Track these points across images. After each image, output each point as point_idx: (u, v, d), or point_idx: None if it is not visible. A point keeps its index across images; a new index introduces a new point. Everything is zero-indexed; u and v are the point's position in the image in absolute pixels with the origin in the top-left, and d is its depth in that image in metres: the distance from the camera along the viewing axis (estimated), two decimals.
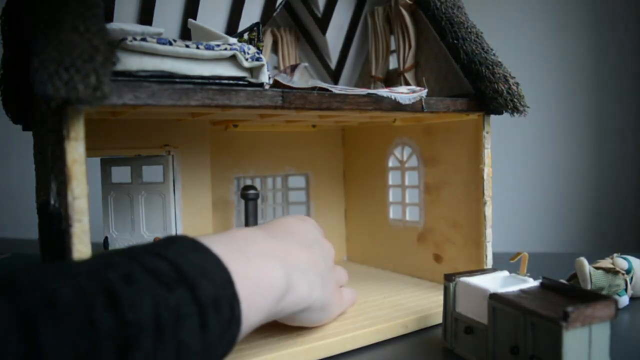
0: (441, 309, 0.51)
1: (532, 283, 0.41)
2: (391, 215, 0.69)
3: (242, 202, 0.65)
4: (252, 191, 0.62)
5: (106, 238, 0.56)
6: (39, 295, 0.23)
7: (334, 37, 0.68)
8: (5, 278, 0.25)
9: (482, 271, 0.45)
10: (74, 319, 0.23)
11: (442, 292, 0.57)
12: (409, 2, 0.59)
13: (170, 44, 0.37)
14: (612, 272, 0.52)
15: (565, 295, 0.38)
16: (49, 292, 0.24)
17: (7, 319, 0.22)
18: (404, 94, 0.47)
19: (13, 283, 0.24)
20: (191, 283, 0.28)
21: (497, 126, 0.64)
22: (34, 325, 0.22)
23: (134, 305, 0.25)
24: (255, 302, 0.32)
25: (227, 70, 0.40)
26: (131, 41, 0.35)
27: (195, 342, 0.27)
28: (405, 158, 0.67)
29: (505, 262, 0.77)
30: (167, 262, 0.28)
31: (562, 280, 0.54)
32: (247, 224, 0.62)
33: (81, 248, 0.32)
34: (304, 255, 0.41)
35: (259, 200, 0.72)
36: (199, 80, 0.38)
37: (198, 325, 0.27)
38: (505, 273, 0.45)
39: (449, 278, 0.44)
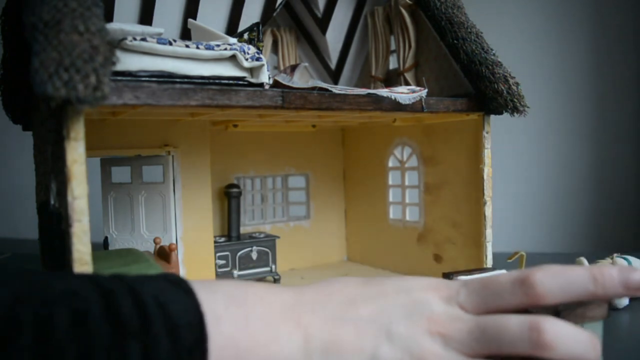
0: None
1: None
2: (391, 215, 0.69)
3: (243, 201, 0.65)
4: (234, 189, 0.64)
5: (106, 238, 0.56)
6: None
7: (334, 37, 0.68)
8: None
9: (481, 270, 0.45)
10: None
11: None
12: (409, 2, 0.59)
13: (170, 44, 0.37)
14: None
15: None
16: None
17: None
18: (404, 94, 0.47)
19: None
20: (150, 339, 0.24)
21: (497, 126, 0.64)
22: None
23: (62, 350, 0.22)
24: None
25: (227, 70, 0.40)
26: (131, 41, 0.35)
27: None
28: (405, 158, 0.67)
29: (504, 262, 0.77)
30: (139, 307, 0.24)
31: None
32: (229, 221, 0.64)
33: (81, 248, 0.32)
34: (340, 332, 0.28)
35: (259, 200, 0.72)
36: (199, 80, 0.38)
37: None
38: (503, 272, 0.44)
39: (447, 276, 0.44)
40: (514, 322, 0.27)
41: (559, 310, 0.29)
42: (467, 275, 0.42)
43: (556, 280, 0.27)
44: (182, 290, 0.27)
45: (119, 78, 0.35)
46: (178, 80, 0.37)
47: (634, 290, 0.27)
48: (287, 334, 0.28)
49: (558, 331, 0.26)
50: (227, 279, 0.29)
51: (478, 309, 0.29)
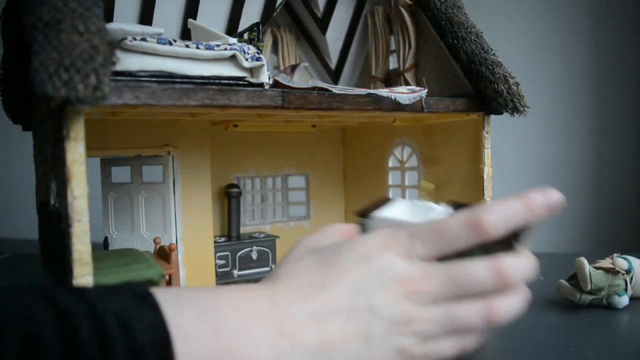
0: None
1: (442, 208, 0.37)
2: None
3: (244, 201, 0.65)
4: (234, 189, 0.65)
5: (106, 238, 0.56)
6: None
7: (334, 37, 0.68)
8: None
9: (383, 201, 0.38)
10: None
11: None
12: (409, 2, 0.59)
13: (170, 44, 0.37)
14: (612, 272, 0.52)
15: None
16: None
17: None
18: (404, 94, 0.47)
19: None
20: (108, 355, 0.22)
21: (497, 126, 0.64)
22: None
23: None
24: None
25: (227, 70, 0.40)
26: (131, 41, 0.35)
27: None
28: (405, 158, 0.67)
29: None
30: (97, 328, 0.23)
31: (562, 281, 0.54)
32: (229, 220, 0.65)
33: (81, 248, 0.32)
34: (328, 330, 0.28)
35: (259, 200, 0.72)
36: (199, 80, 0.38)
37: None
38: (407, 201, 0.39)
39: (364, 214, 0.37)
40: (481, 270, 0.30)
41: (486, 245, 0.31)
42: (382, 210, 0.37)
43: (501, 217, 0.30)
44: (147, 306, 0.25)
45: (119, 78, 0.35)
46: (178, 80, 0.37)
47: (554, 209, 0.32)
48: (267, 344, 0.27)
49: (515, 266, 0.31)
50: (199, 288, 0.29)
51: (436, 256, 0.31)
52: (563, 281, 0.54)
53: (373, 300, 0.29)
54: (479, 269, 0.30)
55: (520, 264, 0.31)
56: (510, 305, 0.32)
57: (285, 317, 0.28)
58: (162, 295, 0.26)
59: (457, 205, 0.36)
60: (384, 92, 0.46)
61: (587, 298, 0.52)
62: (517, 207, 0.31)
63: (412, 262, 0.30)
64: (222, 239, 0.64)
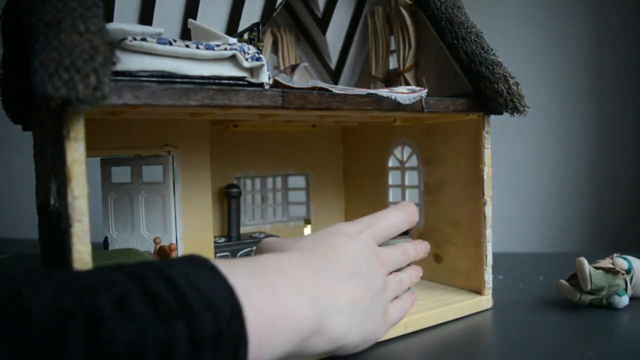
0: (441, 308, 0.51)
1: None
2: None
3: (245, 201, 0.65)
4: (234, 189, 0.65)
5: (106, 238, 0.56)
6: (11, 311, 0.22)
7: (334, 37, 0.68)
8: None
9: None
10: (43, 340, 0.21)
11: (442, 292, 0.57)
12: (409, 2, 0.59)
13: (170, 44, 0.37)
14: (612, 272, 0.52)
15: None
16: (24, 309, 0.22)
17: None
18: (404, 94, 0.47)
19: None
20: (192, 317, 0.25)
21: (497, 126, 0.64)
22: None
23: (114, 334, 0.23)
24: (269, 342, 0.29)
25: (227, 70, 0.40)
26: (131, 41, 0.35)
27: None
28: (405, 158, 0.67)
29: (506, 262, 0.77)
30: (172, 287, 0.26)
31: (562, 281, 0.54)
32: (229, 220, 0.65)
33: (81, 248, 0.32)
34: (346, 290, 0.36)
35: (259, 200, 0.72)
36: (199, 80, 0.38)
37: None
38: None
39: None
40: (412, 248, 0.45)
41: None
42: None
43: (416, 218, 0.46)
44: (207, 268, 0.29)
45: (119, 78, 0.35)
46: (178, 80, 0.37)
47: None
48: (315, 297, 0.33)
49: (418, 247, 0.46)
50: (240, 258, 0.35)
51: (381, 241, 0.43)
52: (563, 281, 0.54)
53: (368, 267, 0.39)
54: (411, 247, 0.45)
55: (427, 247, 0.48)
56: (418, 273, 0.47)
57: (322, 277, 0.35)
58: (216, 262, 0.30)
59: None
60: (384, 92, 0.46)
61: (587, 298, 0.52)
62: (413, 215, 0.46)
63: (376, 243, 0.42)
64: (222, 239, 0.64)
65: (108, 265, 0.27)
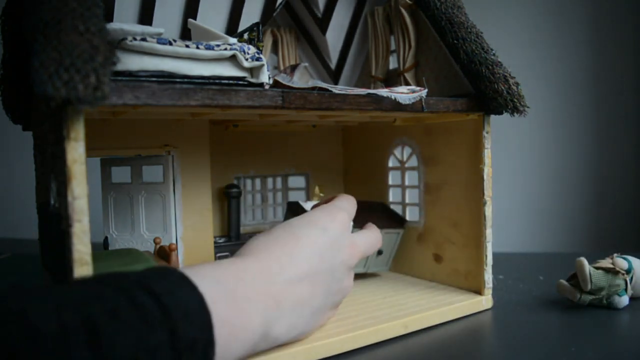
0: (441, 308, 0.51)
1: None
2: None
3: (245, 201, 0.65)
4: (234, 189, 0.65)
5: (106, 238, 0.56)
6: (19, 327, 0.23)
7: (334, 37, 0.68)
8: None
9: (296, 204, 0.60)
10: (53, 354, 0.23)
11: (442, 292, 0.57)
12: (409, 2, 0.59)
13: (170, 44, 0.37)
14: (612, 272, 0.52)
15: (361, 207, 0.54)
16: (32, 325, 0.23)
17: None
18: (404, 94, 0.47)
19: None
20: (173, 325, 0.27)
21: (497, 126, 0.64)
22: None
23: (114, 345, 0.24)
24: (230, 348, 0.31)
25: (227, 70, 0.40)
26: (131, 41, 0.35)
27: None
28: (405, 158, 0.67)
29: (505, 262, 0.77)
30: (154, 298, 0.27)
31: (562, 281, 0.54)
32: (229, 220, 0.65)
33: (81, 248, 0.32)
34: (296, 292, 0.38)
35: (259, 200, 0.72)
36: (199, 80, 0.38)
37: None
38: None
39: (296, 204, 0.60)
40: (379, 235, 0.48)
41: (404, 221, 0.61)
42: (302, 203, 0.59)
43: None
44: (177, 278, 0.30)
45: (119, 78, 0.35)
46: (178, 80, 0.37)
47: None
48: (262, 304, 0.35)
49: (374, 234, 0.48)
50: (206, 263, 0.35)
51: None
52: (563, 281, 0.54)
53: (332, 260, 0.41)
54: (378, 234, 0.48)
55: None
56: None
57: (270, 284, 0.36)
58: (184, 270, 0.32)
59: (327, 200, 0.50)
60: (384, 92, 0.46)
61: (587, 298, 0.52)
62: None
63: (349, 231, 0.44)
64: (222, 239, 0.64)
65: (92, 277, 0.29)
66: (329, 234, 0.41)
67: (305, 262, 0.39)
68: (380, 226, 0.60)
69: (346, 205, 0.46)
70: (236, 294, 0.33)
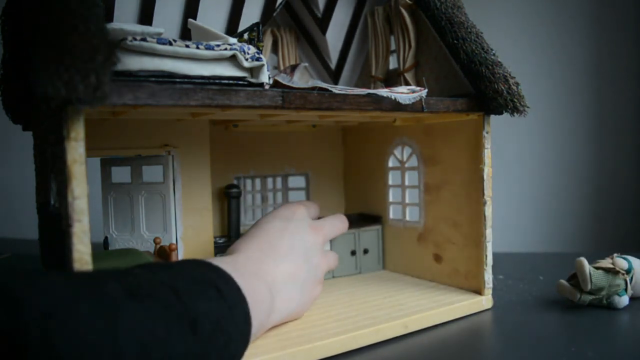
0: (441, 308, 0.51)
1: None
2: (391, 216, 0.69)
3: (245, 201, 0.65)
4: (234, 189, 0.65)
5: (106, 238, 0.56)
6: (128, 280, 0.28)
7: (334, 37, 0.68)
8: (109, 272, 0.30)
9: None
10: (153, 300, 0.28)
11: (442, 292, 0.57)
12: (409, 2, 0.59)
13: (170, 44, 0.37)
14: (612, 272, 0.52)
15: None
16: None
17: (112, 293, 0.27)
18: (404, 94, 0.47)
19: (118, 271, 0.30)
20: (218, 287, 0.33)
21: (497, 126, 0.64)
22: (116, 308, 0.26)
23: (190, 296, 0.30)
24: (255, 314, 0.37)
25: (227, 70, 0.40)
26: (131, 41, 0.35)
27: (234, 334, 0.33)
28: (405, 158, 0.67)
29: (506, 262, 0.77)
30: (195, 272, 0.33)
31: (562, 281, 0.54)
32: (229, 220, 0.65)
33: (81, 248, 0.32)
34: (283, 269, 0.44)
35: (259, 200, 0.72)
36: (199, 80, 0.38)
37: (230, 318, 0.33)
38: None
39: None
40: (344, 218, 0.55)
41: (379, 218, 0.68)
42: None
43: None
44: (195, 262, 0.36)
45: (119, 78, 0.35)
46: (178, 80, 0.37)
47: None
48: (264, 286, 0.41)
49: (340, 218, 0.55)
50: (223, 258, 0.42)
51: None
52: (563, 281, 0.54)
53: (303, 243, 0.47)
54: (342, 217, 0.55)
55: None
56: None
57: (262, 266, 0.43)
58: (210, 261, 0.38)
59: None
60: (384, 92, 0.46)
61: (587, 298, 0.52)
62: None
63: (311, 218, 0.51)
64: (222, 239, 0.64)
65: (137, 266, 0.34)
66: (291, 222, 0.48)
67: (281, 246, 0.46)
68: (359, 226, 0.68)
69: (307, 203, 0.53)
70: (245, 273, 0.39)
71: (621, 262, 0.53)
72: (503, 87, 0.50)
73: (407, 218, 0.66)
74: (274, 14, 0.60)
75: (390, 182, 0.69)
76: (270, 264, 0.44)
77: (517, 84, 0.50)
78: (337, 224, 0.53)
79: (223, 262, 0.38)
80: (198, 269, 0.35)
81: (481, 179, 0.54)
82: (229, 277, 0.36)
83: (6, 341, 0.22)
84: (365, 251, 0.68)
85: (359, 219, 0.70)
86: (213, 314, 0.31)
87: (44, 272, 0.28)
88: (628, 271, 0.53)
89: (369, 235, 0.69)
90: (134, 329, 0.26)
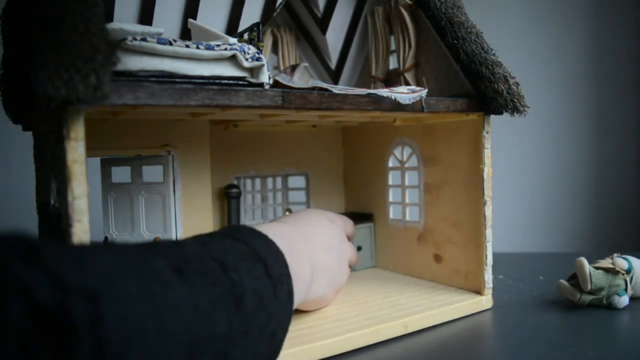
0: (441, 308, 0.51)
1: None
2: (391, 216, 0.69)
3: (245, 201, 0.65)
4: (234, 189, 0.65)
5: (106, 238, 0.56)
6: (177, 255, 0.29)
7: (334, 37, 0.68)
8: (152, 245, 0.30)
9: None
10: (200, 277, 0.28)
11: (442, 292, 0.57)
12: (409, 2, 0.59)
13: (170, 44, 0.37)
14: (612, 272, 0.52)
15: None
16: (184, 256, 0.29)
17: (159, 267, 0.27)
18: (404, 94, 0.47)
19: (158, 246, 0.30)
20: (264, 261, 0.34)
21: (497, 126, 0.64)
22: (165, 286, 0.26)
23: (237, 272, 0.31)
24: (297, 291, 0.38)
25: (227, 70, 0.40)
26: (131, 41, 0.35)
27: (277, 311, 0.33)
28: (405, 158, 0.67)
29: (506, 262, 0.77)
30: (243, 243, 0.34)
31: (562, 281, 0.54)
32: (229, 220, 0.65)
33: None
34: (323, 259, 0.46)
35: (259, 200, 0.72)
36: (199, 80, 0.38)
37: (273, 295, 0.33)
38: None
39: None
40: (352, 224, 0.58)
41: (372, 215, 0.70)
42: None
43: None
44: (248, 230, 0.38)
45: (119, 78, 0.35)
46: (178, 80, 0.37)
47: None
48: (308, 258, 0.43)
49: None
50: (269, 224, 0.44)
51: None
52: (563, 281, 0.54)
53: (339, 243, 0.50)
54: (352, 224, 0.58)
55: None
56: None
57: (308, 246, 0.45)
58: (254, 227, 0.40)
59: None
60: (384, 92, 0.46)
61: (587, 298, 0.52)
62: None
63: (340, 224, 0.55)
64: None
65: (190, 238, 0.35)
66: (334, 225, 0.52)
67: (326, 238, 0.48)
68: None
69: (345, 219, 0.57)
70: (292, 247, 0.40)
71: (621, 262, 0.53)
72: (503, 87, 0.50)
73: (407, 218, 0.66)
74: (274, 14, 0.60)
75: (390, 182, 0.69)
76: (313, 249, 0.45)
77: (517, 84, 0.50)
78: (353, 252, 0.56)
79: (278, 236, 0.39)
80: (251, 240, 0.36)
81: (481, 179, 0.54)
82: (281, 253, 0.37)
83: (52, 324, 0.21)
84: (359, 248, 0.70)
85: (352, 217, 0.70)
86: (258, 291, 0.32)
87: (89, 246, 0.27)
88: (628, 271, 0.53)
89: (362, 232, 0.70)
90: (180, 308, 0.26)
